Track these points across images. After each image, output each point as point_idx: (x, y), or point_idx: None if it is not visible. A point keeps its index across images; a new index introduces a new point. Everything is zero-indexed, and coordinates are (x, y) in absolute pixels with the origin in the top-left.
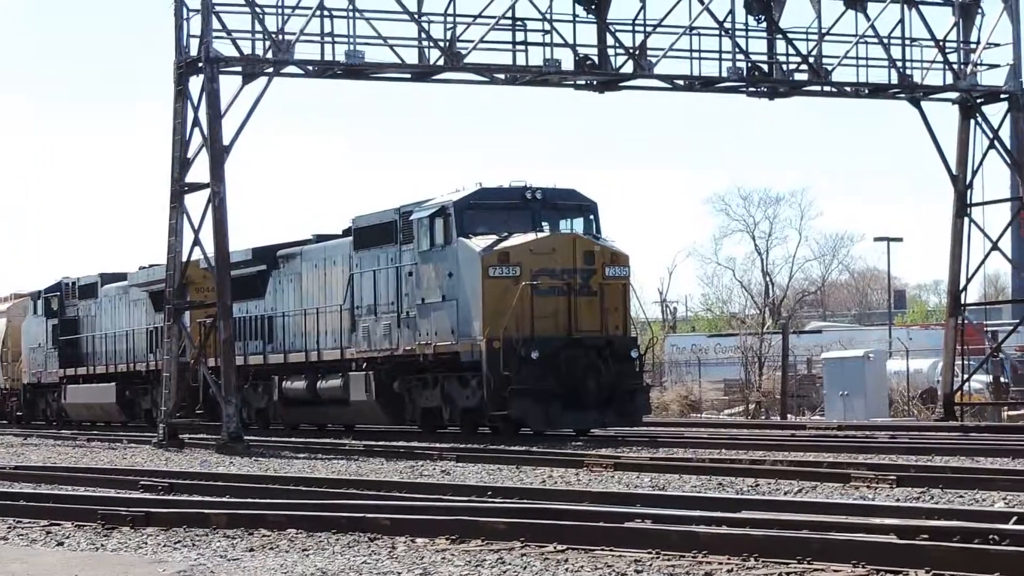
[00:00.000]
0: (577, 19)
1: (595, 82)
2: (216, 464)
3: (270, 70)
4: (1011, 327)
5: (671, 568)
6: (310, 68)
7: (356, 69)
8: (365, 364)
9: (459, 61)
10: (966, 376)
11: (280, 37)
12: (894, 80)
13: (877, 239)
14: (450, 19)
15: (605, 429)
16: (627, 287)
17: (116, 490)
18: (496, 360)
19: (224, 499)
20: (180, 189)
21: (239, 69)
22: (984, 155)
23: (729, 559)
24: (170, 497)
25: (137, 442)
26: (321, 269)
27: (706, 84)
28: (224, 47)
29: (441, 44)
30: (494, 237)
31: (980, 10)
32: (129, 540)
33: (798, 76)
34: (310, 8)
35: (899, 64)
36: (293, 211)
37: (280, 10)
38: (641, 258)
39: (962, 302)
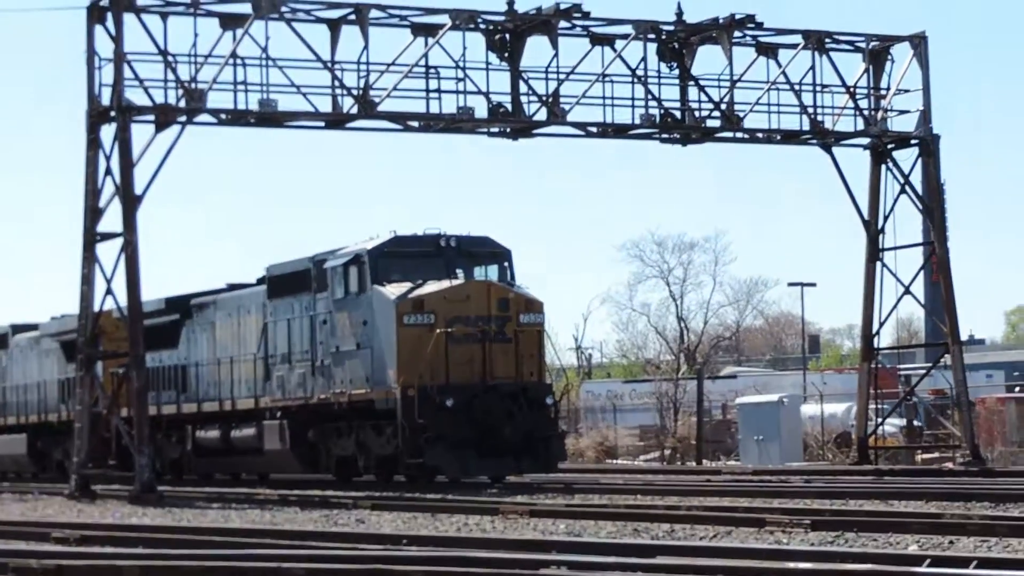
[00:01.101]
0: (490, 67)
1: (508, 129)
2: (129, 515)
3: (183, 119)
4: (924, 371)
5: None
6: (223, 116)
7: (269, 117)
8: (280, 413)
9: (372, 109)
10: (880, 420)
11: (193, 86)
12: (806, 126)
13: (791, 284)
14: (363, 67)
15: (521, 476)
16: (542, 334)
17: (27, 542)
18: (411, 408)
19: (137, 550)
20: (92, 238)
21: (152, 118)
22: (896, 200)
23: None
24: (82, 549)
25: (49, 493)
26: (235, 318)
27: (619, 131)
28: (137, 96)
29: (354, 92)
30: (409, 285)
31: (890, 57)
32: None
33: (711, 123)
34: (223, 57)
35: (811, 110)
36: (207, 260)
37: (193, 59)
38: (556, 305)
39: (875, 346)
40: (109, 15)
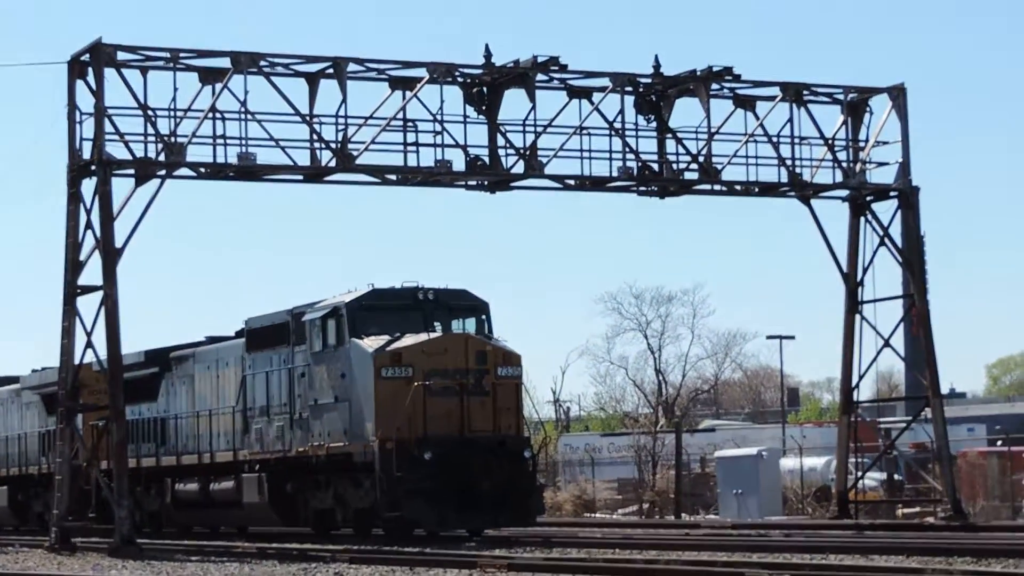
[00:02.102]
0: (468, 120)
1: (486, 182)
2: (108, 568)
3: (163, 172)
4: (905, 424)
5: None
6: (202, 170)
7: (249, 171)
8: (258, 466)
9: (351, 162)
10: (860, 474)
11: (172, 140)
12: (784, 179)
13: (770, 337)
14: (342, 121)
15: (499, 529)
16: (519, 387)
17: None
18: (389, 461)
19: None
20: (73, 291)
21: (132, 172)
22: (875, 252)
23: None
24: None
25: (29, 546)
26: (214, 371)
27: (597, 184)
28: (117, 149)
29: (333, 146)
30: (387, 338)
31: (868, 109)
32: None
33: (688, 175)
34: (202, 111)
35: (789, 162)
36: (187, 312)
37: (172, 113)
38: (534, 358)
39: (855, 399)
40: (90, 70)
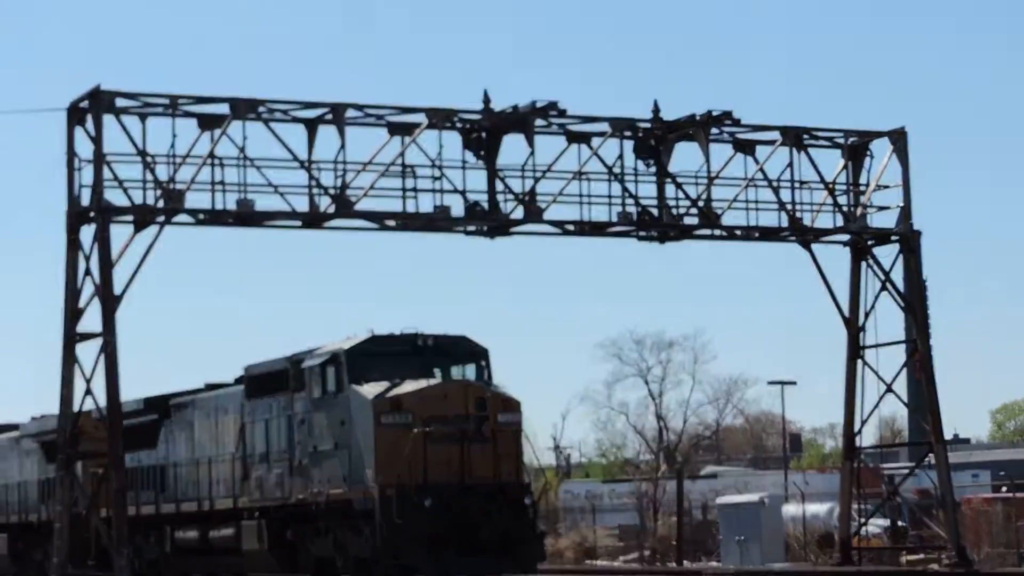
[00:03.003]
0: (467, 165)
1: (485, 228)
2: None
3: (161, 219)
4: (908, 470)
5: None
6: (201, 216)
7: (247, 217)
8: (257, 513)
9: (349, 208)
10: (863, 520)
11: (171, 186)
12: (784, 223)
13: (771, 382)
14: (340, 166)
15: None
16: (520, 433)
17: None
18: (389, 508)
19: None
20: (72, 339)
21: (131, 218)
22: (876, 297)
23: None
24: None
25: None
26: (213, 418)
27: (596, 229)
28: (116, 196)
29: (331, 191)
30: (386, 384)
31: (869, 152)
32: None
33: (688, 220)
34: (200, 157)
35: (789, 207)
36: (186, 359)
37: (171, 159)
38: (534, 404)
39: (858, 445)
40: (89, 116)
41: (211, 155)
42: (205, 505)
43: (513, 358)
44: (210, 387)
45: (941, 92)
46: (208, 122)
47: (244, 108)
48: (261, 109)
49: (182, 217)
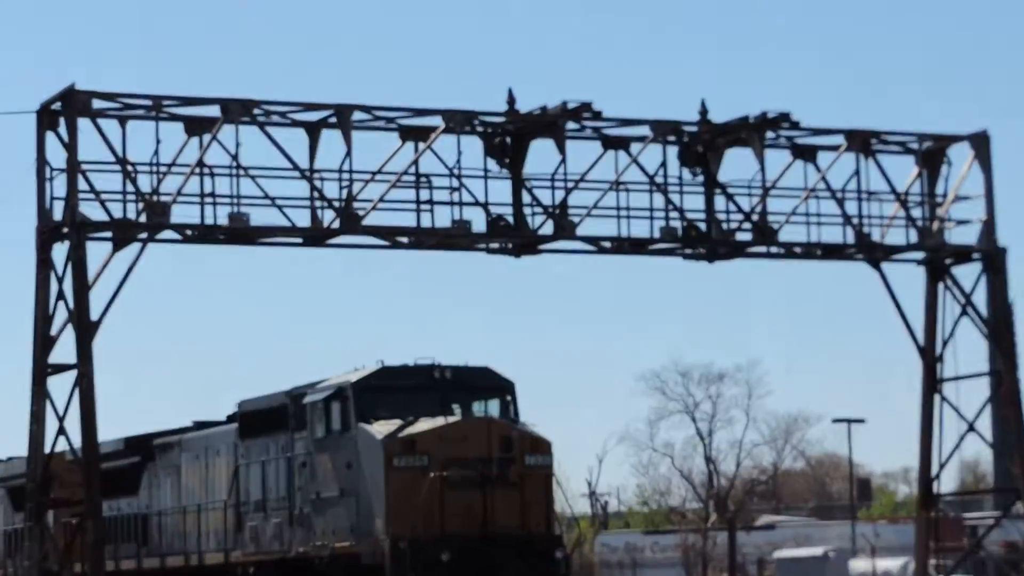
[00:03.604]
0: (489, 175)
1: (510, 245)
2: None
3: (144, 235)
4: (993, 520)
5: None
6: (189, 233)
7: (241, 233)
8: (253, 569)
9: (356, 223)
10: None
11: (155, 198)
12: (850, 239)
13: (836, 420)
14: (346, 176)
15: None
16: (550, 478)
17: None
18: (402, 562)
19: None
20: (43, 371)
21: (109, 235)
22: (956, 323)
23: None
24: None
25: None
26: (202, 460)
27: (636, 246)
28: (92, 210)
29: (336, 204)
30: (398, 422)
31: (947, 159)
32: None
33: (741, 236)
34: (188, 165)
35: (855, 221)
36: (172, 395)
37: (155, 168)
38: (566, 444)
39: (935, 492)
40: (62, 120)
41: (200, 163)
42: (193, 559)
43: (543, 392)
44: (199, 425)
45: None
46: (196, 126)
47: (237, 110)
48: (256, 111)
49: (167, 233)
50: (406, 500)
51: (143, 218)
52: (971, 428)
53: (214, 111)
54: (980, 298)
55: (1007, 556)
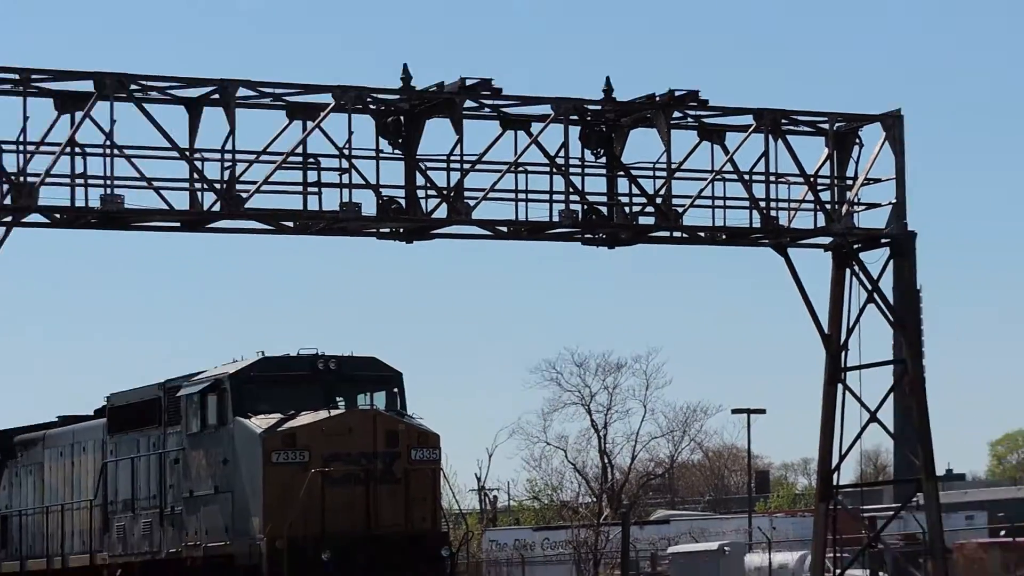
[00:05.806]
0: (381, 155)
1: (402, 229)
2: None
3: (8, 219)
4: (892, 512)
5: None
6: (58, 216)
7: (114, 216)
8: (120, 571)
9: (239, 206)
10: (840, 571)
11: (21, 179)
12: (756, 223)
13: (735, 411)
14: (228, 157)
15: None
16: (437, 473)
17: None
18: (279, 563)
19: None
20: None
21: None
22: (862, 310)
23: None
24: None
25: None
26: (68, 457)
27: (534, 230)
28: None
29: (217, 186)
30: (279, 416)
31: (858, 140)
32: None
33: (644, 220)
34: (58, 144)
35: (762, 204)
36: (35, 387)
37: (22, 147)
38: (455, 438)
39: (835, 484)
40: None
41: (71, 142)
42: (56, 562)
43: (431, 384)
44: (65, 420)
45: (942, 72)
46: (68, 102)
47: (112, 85)
48: (133, 87)
49: (34, 217)
50: (285, 498)
51: (8, 200)
52: (873, 418)
53: (87, 86)
54: (887, 284)
55: (906, 548)
